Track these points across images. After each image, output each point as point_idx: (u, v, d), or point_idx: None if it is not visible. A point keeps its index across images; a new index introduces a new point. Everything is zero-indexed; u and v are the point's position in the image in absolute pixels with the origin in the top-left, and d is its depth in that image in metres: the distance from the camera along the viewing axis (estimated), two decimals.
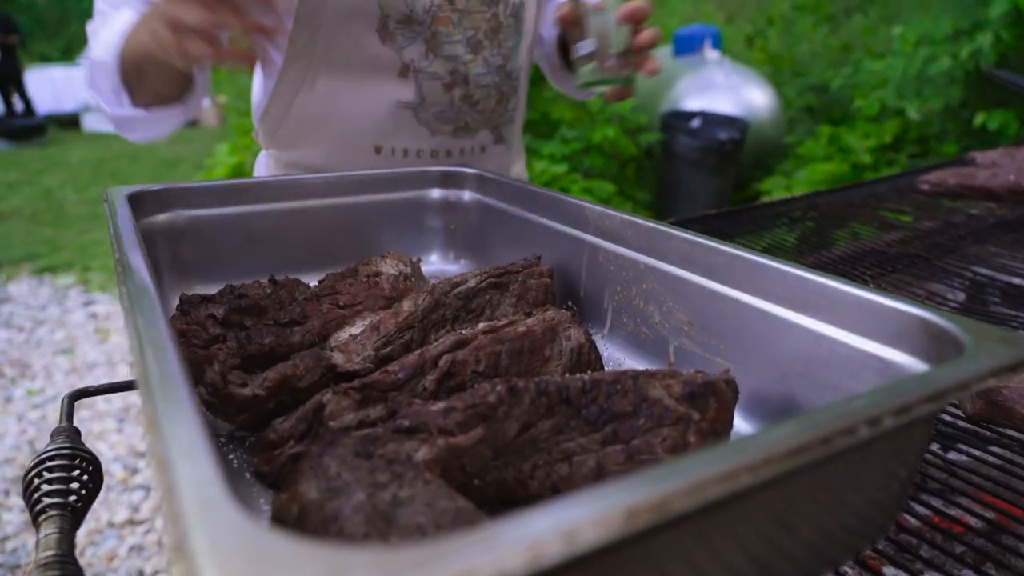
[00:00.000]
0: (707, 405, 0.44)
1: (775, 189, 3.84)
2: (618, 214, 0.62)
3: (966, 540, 0.53)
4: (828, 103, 4.32)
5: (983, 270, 0.99)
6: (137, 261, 0.46)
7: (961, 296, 0.96)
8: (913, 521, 0.57)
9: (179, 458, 0.23)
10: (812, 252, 1.02)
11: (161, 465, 0.23)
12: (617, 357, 0.62)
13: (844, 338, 0.45)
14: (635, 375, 0.44)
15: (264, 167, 1.01)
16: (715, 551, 0.29)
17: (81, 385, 0.64)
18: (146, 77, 0.81)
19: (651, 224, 0.59)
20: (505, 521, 0.21)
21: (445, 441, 0.38)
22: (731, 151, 3.83)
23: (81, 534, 1.72)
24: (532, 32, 1.02)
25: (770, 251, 1.06)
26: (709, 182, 3.94)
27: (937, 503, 0.58)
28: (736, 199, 4.11)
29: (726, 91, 4.09)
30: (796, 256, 1.01)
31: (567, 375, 0.49)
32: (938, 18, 3.31)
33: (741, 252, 0.51)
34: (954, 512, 0.57)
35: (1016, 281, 0.96)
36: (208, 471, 0.22)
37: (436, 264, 0.81)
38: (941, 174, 1.19)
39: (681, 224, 1.15)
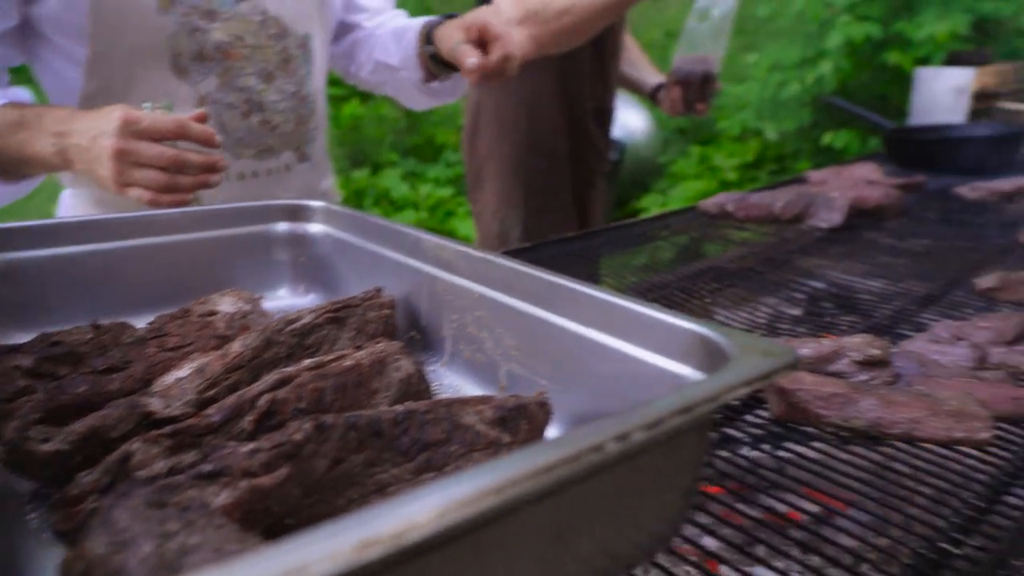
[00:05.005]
0: (518, 428, 0.46)
1: (652, 206, 4.03)
2: (452, 245, 0.64)
3: (794, 533, 0.58)
4: (697, 125, 4.59)
5: (813, 282, 1.09)
6: None
7: (800, 307, 1.04)
8: (748, 519, 0.62)
9: None
10: (658, 270, 1.08)
11: None
12: (457, 384, 0.64)
13: (644, 356, 0.48)
14: (449, 403, 0.46)
15: (69, 206, 1.03)
16: (490, 567, 0.31)
17: None
18: (23, 170, 0.85)
19: (479, 254, 0.61)
20: (240, 559, 0.22)
21: (248, 483, 0.38)
22: (611, 171, 3.99)
23: None
24: (323, 58, 1.10)
25: (620, 272, 1.12)
26: None
27: (769, 500, 0.63)
28: (618, 216, 4.28)
29: None
30: (645, 275, 1.07)
31: (394, 406, 0.50)
32: (787, 47, 3.59)
33: (556, 279, 0.54)
34: (783, 508, 0.62)
35: (846, 290, 1.06)
36: None
37: (286, 299, 0.80)
38: (720, 199, 1.30)
39: (540, 247, 1.19)
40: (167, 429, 0.45)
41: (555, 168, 1.62)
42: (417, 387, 0.55)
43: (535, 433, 0.47)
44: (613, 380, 0.51)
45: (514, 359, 0.59)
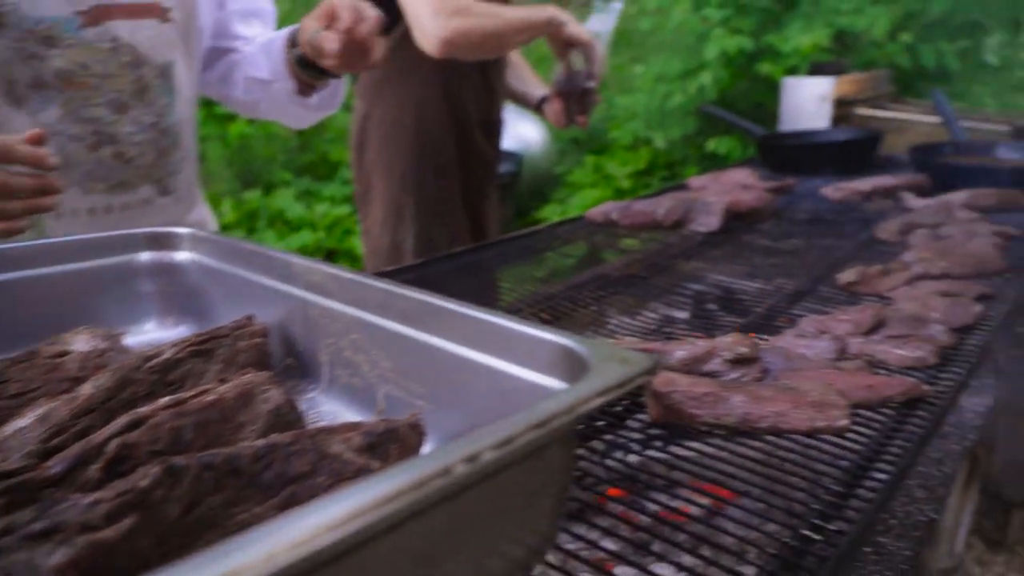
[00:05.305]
0: (388, 453, 0.45)
1: (552, 216, 4.11)
2: (323, 267, 0.62)
3: (688, 528, 0.60)
4: (591, 135, 4.71)
5: (696, 285, 1.13)
6: None
7: (686, 310, 1.08)
8: (642, 521, 0.63)
9: None
10: (547, 281, 1.10)
11: None
12: (335, 410, 0.62)
13: (513, 371, 0.48)
14: (315, 432, 0.45)
15: None
16: None
17: None
18: None
19: (350, 275, 0.60)
20: None
21: (86, 538, 0.36)
22: (508, 183, 4.03)
23: None
24: (190, 87, 1.04)
25: (511, 284, 1.13)
26: None
27: (664, 498, 0.65)
28: (519, 227, 4.33)
29: None
30: (534, 286, 1.08)
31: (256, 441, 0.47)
32: (670, 59, 3.75)
33: (426, 298, 0.54)
34: (677, 504, 0.63)
35: (727, 291, 1.10)
36: None
37: (153, 333, 0.76)
38: (605, 208, 1.34)
39: (432, 261, 1.19)
40: (0, 485, 0.41)
41: (445, 179, 1.62)
42: (288, 417, 0.53)
43: (407, 456, 0.46)
44: (487, 396, 0.50)
45: (391, 381, 0.58)
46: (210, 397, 0.50)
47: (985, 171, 1.58)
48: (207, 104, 4.15)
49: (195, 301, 0.76)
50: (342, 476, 0.43)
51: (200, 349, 0.59)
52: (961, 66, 3.32)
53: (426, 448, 0.50)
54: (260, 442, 0.43)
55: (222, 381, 0.53)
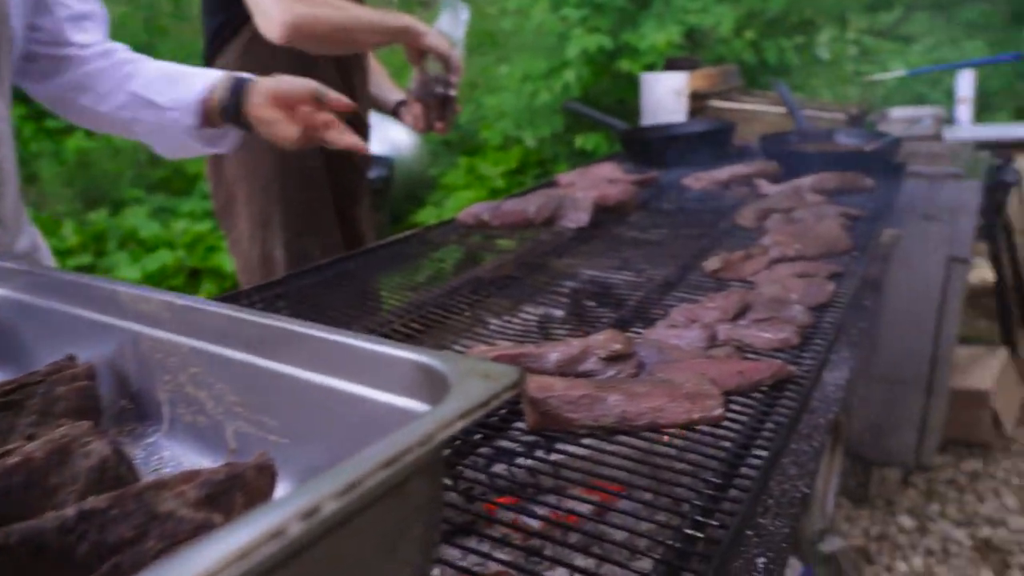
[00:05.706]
0: (232, 502, 0.40)
1: (429, 219, 4.06)
2: (155, 295, 0.55)
3: (578, 529, 0.58)
4: (463, 136, 4.70)
5: (570, 282, 1.12)
6: None
7: (563, 308, 1.06)
8: (530, 532, 0.61)
9: None
10: (417, 288, 1.06)
11: None
12: (180, 455, 0.55)
13: (372, 395, 0.44)
14: (140, 491, 0.38)
15: None
16: None
17: None
18: None
19: (186, 302, 0.53)
20: None
21: None
22: (381, 188, 3.94)
23: None
24: (4, 104, 0.95)
25: (382, 293, 1.08)
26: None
27: (553, 501, 0.62)
28: (395, 232, 4.25)
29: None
30: (404, 295, 1.03)
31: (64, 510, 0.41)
32: (533, 59, 3.80)
33: (270, 321, 0.48)
34: (562, 512, 0.61)
35: (601, 286, 1.10)
36: None
37: None
38: (475, 209, 1.33)
39: (301, 274, 1.11)
40: None
41: (312, 185, 1.54)
42: (116, 472, 0.46)
43: (256, 503, 0.40)
44: (347, 425, 0.46)
45: (240, 417, 0.52)
46: (13, 460, 0.42)
47: (827, 156, 1.69)
48: (37, 117, 3.77)
49: (5, 344, 0.66)
50: (177, 537, 0.38)
51: (6, 401, 0.51)
52: (799, 60, 3.57)
53: (281, 489, 0.45)
54: (70, 510, 0.36)
55: (30, 438, 0.45)
